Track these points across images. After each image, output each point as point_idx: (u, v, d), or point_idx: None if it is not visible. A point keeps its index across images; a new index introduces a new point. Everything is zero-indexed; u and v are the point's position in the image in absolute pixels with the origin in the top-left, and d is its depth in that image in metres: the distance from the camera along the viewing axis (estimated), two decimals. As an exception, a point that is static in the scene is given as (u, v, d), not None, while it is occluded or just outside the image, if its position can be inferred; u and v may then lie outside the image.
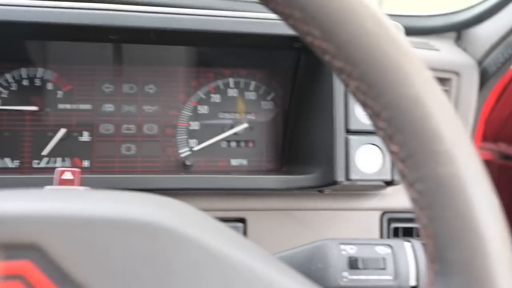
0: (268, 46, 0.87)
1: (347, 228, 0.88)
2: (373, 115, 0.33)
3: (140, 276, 0.30)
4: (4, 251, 0.29)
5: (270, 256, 0.37)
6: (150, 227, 0.31)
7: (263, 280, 0.32)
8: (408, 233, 0.90)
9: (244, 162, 0.94)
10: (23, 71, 0.90)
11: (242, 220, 0.86)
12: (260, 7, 0.88)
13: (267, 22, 0.76)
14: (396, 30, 0.33)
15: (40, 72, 0.90)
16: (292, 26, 0.35)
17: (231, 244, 0.34)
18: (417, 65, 0.32)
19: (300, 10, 0.32)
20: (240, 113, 0.95)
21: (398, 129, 0.32)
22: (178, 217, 0.34)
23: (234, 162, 0.94)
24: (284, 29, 0.75)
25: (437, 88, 0.33)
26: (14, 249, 0.29)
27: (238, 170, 0.94)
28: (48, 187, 0.50)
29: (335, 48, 0.32)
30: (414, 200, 0.32)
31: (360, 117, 0.76)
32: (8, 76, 0.89)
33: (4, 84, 0.89)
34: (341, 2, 0.32)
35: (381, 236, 0.89)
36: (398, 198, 0.90)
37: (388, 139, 0.33)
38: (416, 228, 0.91)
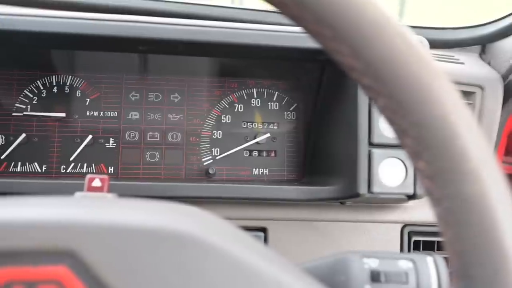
0: (293, 58, 0.88)
1: (368, 240, 0.88)
2: (400, 132, 0.34)
3: (171, 285, 0.31)
4: (41, 256, 0.30)
5: (296, 267, 0.38)
6: (181, 237, 0.32)
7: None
8: (428, 246, 0.89)
9: (265, 171, 0.95)
10: (53, 79, 0.93)
11: (263, 229, 0.87)
12: (287, 20, 0.88)
13: (293, 35, 0.76)
14: (425, 49, 0.33)
15: (69, 80, 0.93)
16: (322, 44, 0.35)
17: (258, 255, 0.34)
18: (446, 84, 0.33)
19: (331, 28, 0.33)
20: (259, 124, 0.96)
21: (426, 147, 0.32)
22: (207, 227, 0.35)
23: (256, 171, 0.95)
24: (309, 42, 0.76)
25: (464, 108, 0.33)
26: (51, 255, 0.30)
27: (259, 179, 0.95)
28: (78, 193, 0.52)
29: (364, 66, 0.33)
30: (440, 217, 0.33)
31: (384, 130, 0.76)
32: (38, 83, 0.92)
33: (35, 91, 0.92)
34: (371, 21, 0.32)
35: (402, 249, 0.88)
36: (419, 211, 0.89)
37: (415, 156, 0.33)
38: (437, 242, 0.90)
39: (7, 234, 0.30)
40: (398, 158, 0.76)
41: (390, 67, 0.32)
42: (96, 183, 0.57)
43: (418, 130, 0.32)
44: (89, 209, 0.34)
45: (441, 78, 0.33)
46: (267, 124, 0.97)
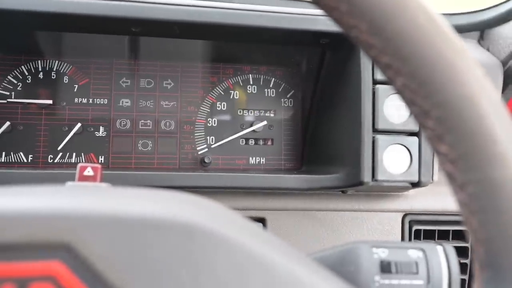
0: (294, 41, 0.85)
1: (369, 230, 0.86)
2: (421, 114, 0.32)
3: (177, 278, 0.29)
4: (34, 250, 0.27)
5: (308, 258, 0.36)
6: (188, 228, 0.30)
7: (303, 282, 0.31)
8: (429, 235, 0.88)
9: (262, 160, 0.93)
10: (39, 64, 0.89)
11: (262, 220, 0.84)
12: (289, 1, 0.84)
13: (295, 17, 0.73)
14: (448, 26, 0.31)
15: (56, 65, 0.89)
16: (337, 20, 0.33)
17: (268, 245, 0.32)
18: (471, 62, 0.31)
19: (348, 2, 0.31)
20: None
21: (449, 128, 0.30)
22: (215, 217, 0.33)
23: (253, 160, 0.92)
24: (311, 24, 0.73)
25: (491, 87, 0.31)
26: (44, 249, 0.27)
27: (256, 168, 0.92)
28: (69, 183, 0.49)
29: (383, 43, 0.31)
30: (463, 204, 0.31)
31: (388, 116, 0.74)
32: (23, 68, 0.88)
33: (19, 76, 0.88)
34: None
35: (403, 238, 0.87)
36: (420, 200, 0.88)
37: (437, 139, 0.31)
38: (437, 231, 0.88)
39: (-5, 226, 0.27)
40: (403, 145, 0.74)
41: (412, 44, 0.30)
42: (88, 172, 0.54)
43: (441, 110, 0.30)
44: (85, 199, 0.32)
45: (466, 55, 0.31)
46: (263, 111, 0.94)
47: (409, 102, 0.32)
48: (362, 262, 0.48)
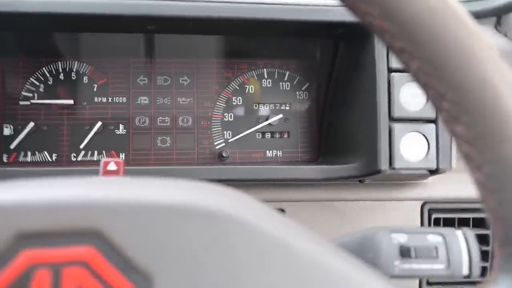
0: (307, 33, 0.86)
1: (388, 219, 0.86)
2: (437, 96, 0.32)
3: (203, 263, 0.30)
4: (67, 237, 0.28)
5: (330, 243, 0.36)
6: (211, 214, 0.31)
7: (326, 267, 0.32)
8: (449, 223, 0.88)
9: (279, 153, 0.93)
10: (59, 65, 0.91)
11: (280, 211, 0.85)
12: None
13: (307, 8, 0.74)
14: (461, 7, 0.31)
15: (75, 65, 0.91)
16: (350, 6, 0.33)
17: (291, 231, 0.33)
18: (485, 43, 0.31)
19: None
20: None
21: (465, 109, 0.31)
22: (239, 204, 0.34)
23: (270, 153, 0.93)
24: (324, 15, 0.74)
25: (505, 66, 0.31)
26: (77, 235, 0.28)
27: (273, 161, 0.93)
28: (94, 178, 0.51)
29: (396, 27, 0.31)
30: (480, 183, 0.31)
31: (405, 104, 0.74)
32: (44, 70, 0.90)
33: (41, 78, 0.90)
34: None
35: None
36: (439, 188, 0.88)
37: (453, 121, 0.32)
38: (458, 219, 0.88)
39: (29, 214, 0.28)
40: (420, 132, 0.74)
41: (426, 27, 0.31)
42: (112, 166, 0.55)
43: (457, 92, 0.31)
44: (114, 188, 0.33)
45: (480, 36, 0.31)
46: (279, 104, 0.95)
47: (425, 86, 0.33)
48: (382, 247, 0.48)
